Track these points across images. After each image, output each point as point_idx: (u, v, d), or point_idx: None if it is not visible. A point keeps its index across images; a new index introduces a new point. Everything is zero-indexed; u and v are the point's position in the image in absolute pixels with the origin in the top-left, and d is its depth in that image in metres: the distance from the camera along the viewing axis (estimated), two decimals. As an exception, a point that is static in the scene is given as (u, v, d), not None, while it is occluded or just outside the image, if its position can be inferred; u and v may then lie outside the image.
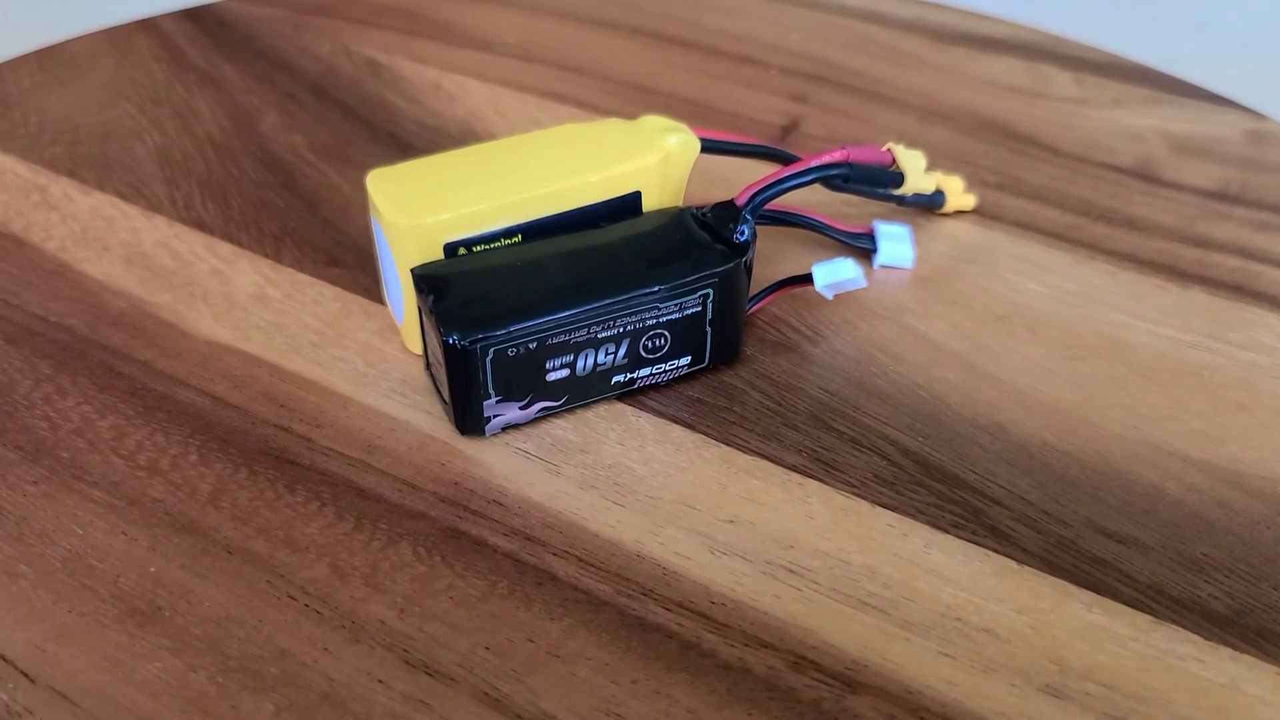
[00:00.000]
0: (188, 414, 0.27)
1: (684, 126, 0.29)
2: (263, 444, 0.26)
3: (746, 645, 0.22)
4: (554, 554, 0.24)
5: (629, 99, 0.39)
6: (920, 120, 0.38)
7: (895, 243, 0.31)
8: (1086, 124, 0.38)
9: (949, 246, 0.32)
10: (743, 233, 0.27)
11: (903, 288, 0.31)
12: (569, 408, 0.27)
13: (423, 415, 0.27)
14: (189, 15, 0.44)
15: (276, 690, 0.21)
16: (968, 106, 0.39)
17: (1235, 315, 0.30)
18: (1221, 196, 0.35)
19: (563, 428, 0.27)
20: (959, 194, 0.33)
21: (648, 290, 0.26)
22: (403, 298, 0.27)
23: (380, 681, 0.21)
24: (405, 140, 0.37)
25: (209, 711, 0.21)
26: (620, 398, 0.27)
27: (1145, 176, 0.36)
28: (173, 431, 0.26)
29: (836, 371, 0.28)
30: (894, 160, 0.30)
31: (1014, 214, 0.34)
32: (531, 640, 0.22)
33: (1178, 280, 0.31)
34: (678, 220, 0.28)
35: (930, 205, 0.33)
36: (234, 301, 0.30)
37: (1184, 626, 0.22)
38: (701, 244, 0.27)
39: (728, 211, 0.28)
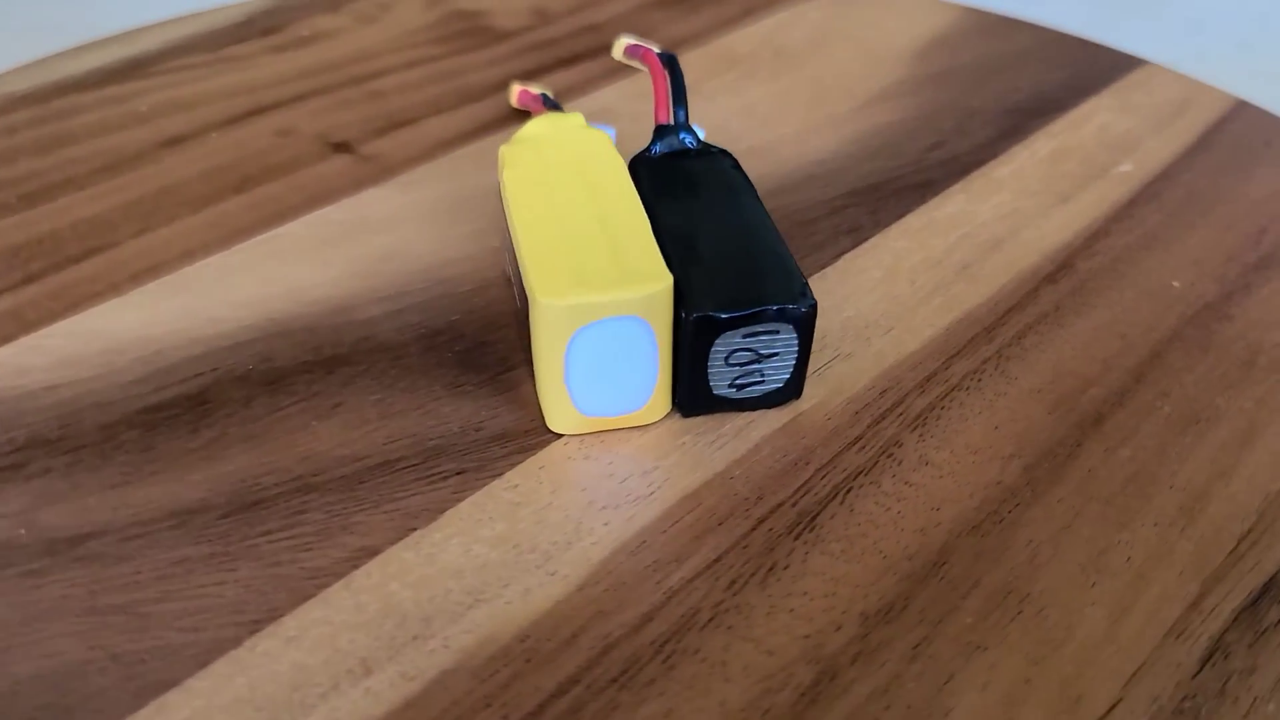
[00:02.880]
0: (670, 615, 0.21)
1: (551, 112, 0.29)
2: (746, 536, 0.22)
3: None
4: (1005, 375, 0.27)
5: (252, 189, 0.31)
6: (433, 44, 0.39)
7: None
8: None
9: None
10: (698, 142, 0.29)
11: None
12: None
13: (758, 433, 0.25)
14: None
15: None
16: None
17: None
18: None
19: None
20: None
21: (758, 199, 0.27)
22: (657, 365, 0.24)
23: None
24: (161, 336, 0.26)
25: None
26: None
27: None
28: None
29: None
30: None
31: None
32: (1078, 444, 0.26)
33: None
34: (664, 165, 0.28)
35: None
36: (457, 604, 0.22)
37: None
38: (702, 162, 0.28)
39: (672, 136, 0.29)
